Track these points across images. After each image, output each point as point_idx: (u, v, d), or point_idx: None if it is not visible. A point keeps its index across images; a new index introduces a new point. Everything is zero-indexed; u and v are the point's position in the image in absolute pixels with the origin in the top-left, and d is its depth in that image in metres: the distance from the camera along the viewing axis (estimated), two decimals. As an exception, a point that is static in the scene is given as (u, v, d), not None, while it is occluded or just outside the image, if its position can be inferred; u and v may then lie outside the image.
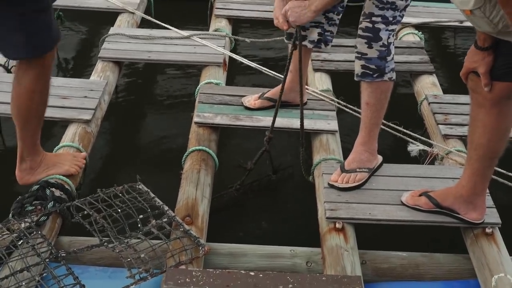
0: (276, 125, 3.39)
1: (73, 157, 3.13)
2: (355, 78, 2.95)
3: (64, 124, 3.43)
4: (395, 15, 2.85)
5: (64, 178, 2.98)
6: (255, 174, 3.41)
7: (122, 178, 3.02)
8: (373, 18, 2.83)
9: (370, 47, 2.85)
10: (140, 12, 4.93)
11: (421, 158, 3.41)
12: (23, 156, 2.94)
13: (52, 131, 3.75)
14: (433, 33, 5.41)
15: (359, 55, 2.89)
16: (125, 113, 4.27)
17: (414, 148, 3.42)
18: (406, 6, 2.88)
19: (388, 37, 2.86)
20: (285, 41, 3.35)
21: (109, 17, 4.89)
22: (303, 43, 3.31)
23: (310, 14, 2.90)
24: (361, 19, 2.88)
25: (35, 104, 2.82)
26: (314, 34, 3.29)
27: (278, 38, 4.31)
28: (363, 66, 2.88)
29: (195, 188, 2.97)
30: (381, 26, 2.82)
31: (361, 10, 2.88)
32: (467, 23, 4.85)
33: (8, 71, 3.93)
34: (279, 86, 3.54)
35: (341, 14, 3.29)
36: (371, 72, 2.88)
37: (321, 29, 3.27)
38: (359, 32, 2.88)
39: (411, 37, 4.71)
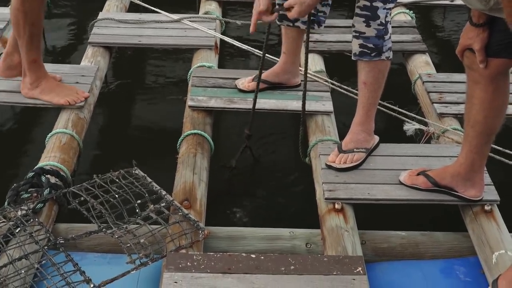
0: (271, 107, 3.38)
1: (73, 92, 3.35)
2: (353, 57, 2.92)
3: (57, 110, 3.39)
4: None
5: (59, 164, 2.95)
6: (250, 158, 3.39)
7: (117, 163, 2.98)
8: None
9: (368, 25, 2.83)
10: (128, -4, 4.89)
11: (417, 137, 3.40)
12: (24, 70, 3.32)
13: (45, 118, 3.72)
14: (423, 12, 5.39)
15: (357, 34, 2.87)
16: (118, 99, 4.23)
17: (410, 127, 3.41)
18: None
19: (386, 16, 2.84)
20: (277, 23, 3.32)
21: (97, 2, 4.84)
22: (296, 24, 3.29)
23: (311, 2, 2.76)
24: None
25: (22, 22, 3.11)
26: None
27: (269, 19, 4.26)
28: (361, 45, 2.86)
29: (192, 172, 2.95)
30: (379, 4, 2.80)
31: None
32: (457, 1, 4.87)
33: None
34: (273, 68, 3.53)
35: None
36: (369, 51, 2.85)
37: (314, 9, 3.24)
38: (357, 10, 2.85)
39: (403, 16, 4.69)
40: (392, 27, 4.28)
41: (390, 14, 2.87)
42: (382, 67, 2.91)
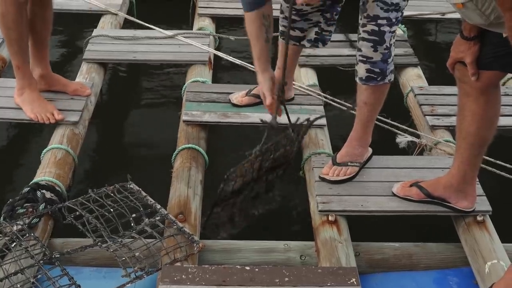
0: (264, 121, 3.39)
1: (47, 111, 3.36)
2: (358, 81, 2.90)
3: (52, 126, 3.41)
4: (398, 16, 2.80)
5: (54, 180, 2.97)
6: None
7: (112, 178, 3.00)
8: (379, 21, 2.76)
9: (375, 50, 2.81)
10: (122, 13, 4.93)
11: (409, 150, 3.43)
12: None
13: (40, 133, 3.74)
14: (415, 25, 5.43)
15: (364, 59, 2.84)
16: (113, 114, 4.25)
17: (403, 139, 3.44)
18: (406, 6, 2.85)
19: (390, 39, 2.83)
20: (280, 38, 3.31)
21: (92, 19, 4.87)
22: (302, 42, 3.31)
23: None
24: (364, 22, 2.80)
25: (3, 27, 3.21)
26: (311, 34, 3.28)
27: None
28: (368, 70, 2.84)
29: (186, 186, 2.97)
30: (386, 28, 2.77)
31: (346, 4, 2.85)
32: (449, 15, 4.92)
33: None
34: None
35: (338, 14, 3.27)
36: (375, 76, 2.85)
37: (319, 28, 3.26)
38: (364, 35, 2.81)
39: (395, 30, 4.73)
40: (384, 41, 4.37)
41: (394, 37, 2.86)
42: (384, 88, 2.92)
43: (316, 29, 3.25)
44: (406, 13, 4.88)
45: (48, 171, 3.04)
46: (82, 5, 4.95)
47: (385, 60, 2.84)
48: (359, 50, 2.86)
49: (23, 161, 3.72)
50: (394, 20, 2.79)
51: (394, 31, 2.83)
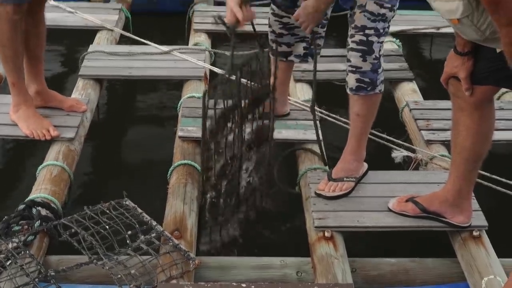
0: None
1: (43, 128, 3.35)
2: (348, 91, 2.93)
3: (48, 142, 3.40)
4: (385, 26, 2.85)
5: (50, 196, 2.96)
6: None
7: (108, 194, 2.99)
8: (366, 31, 2.81)
9: (364, 60, 2.84)
10: (118, 29, 4.94)
11: (405, 164, 3.43)
12: None
13: (36, 150, 3.72)
14: (410, 40, 5.45)
15: (353, 69, 2.87)
16: (108, 130, 4.25)
17: (398, 154, 3.44)
18: (393, 17, 2.90)
19: (379, 50, 2.86)
20: (271, 56, 3.32)
21: (87, 35, 4.88)
22: (289, 58, 3.33)
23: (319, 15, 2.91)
24: (352, 32, 2.85)
25: None
26: (299, 49, 3.31)
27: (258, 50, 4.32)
28: (358, 80, 2.87)
29: (182, 202, 2.96)
30: (374, 38, 2.82)
31: (341, 20, 2.89)
32: (444, 30, 4.94)
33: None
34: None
35: (326, 27, 3.30)
36: (365, 86, 2.88)
37: (307, 43, 3.29)
38: (352, 45, 2.85)
39: (389, 45, 4.74)
40: (379, 56, 4.38)
41: (382, 48, 2.90)
42: (375, 99, 2.94)
43: (303, 44, 3.28)
44: (400, 27, 5.01)
45: (43, 187, 3.04)
46: (78, 21, 4.97)
47: (375, 70, 2.87)
48: (348, 60, 2.90)
49: (19, 177, 3.71)
50: (381, 30, 2.84)
51: (382, 42, 2.88)
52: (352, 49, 2.86)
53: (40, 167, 3.20)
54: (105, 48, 4.47)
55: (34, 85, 3.51)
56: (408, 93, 4.06)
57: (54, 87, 3.85)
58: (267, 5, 3.81)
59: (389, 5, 2.83)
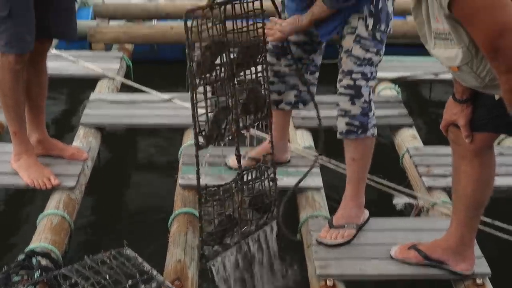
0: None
1: (44, 176, 3.35)
2: (338, 136, 2.97)
3: (48, 191, 3.40)
4: (372, 70, 2.91)
5: (50, 246, 2.95)
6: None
7: (109, 243, 2.97)
8: (353, 75, 2.88)
9: (353, 103, 2.89)
10: (120, 77, 4.98)
11: (406, 211, 3.42)
12: None
13: (37, 198, 3.72)
14: (409, 86, 5.49)
15: (343, 113, 2.92)
16: (109, 178, 4.25)
17: (400, 201, 3.44)
18: (379, 61, 2.94)
19: (369, 93, 2.91)
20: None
21: (89, 83, 4.92)
22: (280, 106, 3.36)
23: (306, 22, 2.94)
24: (340, 77, 2.93)
25: None
26: (290, 97, 3.34)
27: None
28: (347, 123, 2.91)
29: (183, 251, 2.95)
30: (362, 82, 2.88)
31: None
32: (442, 76, 4.97)
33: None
34: (263, 145, 3.57)
35: (316, 73, 3.34)
36: (355, 129, 2.91)
37: (297, 90, 3.33)
38: (341, 90, 2.91)
39: (388, 91, 4.79)
40: (379, 102, 4.42)
41: (372, 92, 2.94)
42: (368, 142, 2.97)
43: (294, 91, 3.31)
44: (399, 74, 5.04)
45: (44, 237, 3.02)
46: (79, 69, 5.02)
47: (365, 113, 2.91)
48: (338, 105, 2.95)
49: (19, 226, 3.70)
50: (369, 74, 2.90)
51: (371, 86, 2.93)
52: (341, 94, 2.92)
53: (40, 216, 3.19)
54: (107, 96, 4.50)
55: (35, 134, 3.53)
56: (408, 139, 4.07)
57: (55, 135, 3.88)
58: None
59: (375, 50, 2.88)
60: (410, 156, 3.82)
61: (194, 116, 2.71)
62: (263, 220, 3.02)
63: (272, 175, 3.01)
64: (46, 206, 3.28)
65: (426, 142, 4.11)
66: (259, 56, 2.91)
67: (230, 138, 2.83)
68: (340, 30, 2.94)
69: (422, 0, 2.17)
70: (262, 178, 2.97)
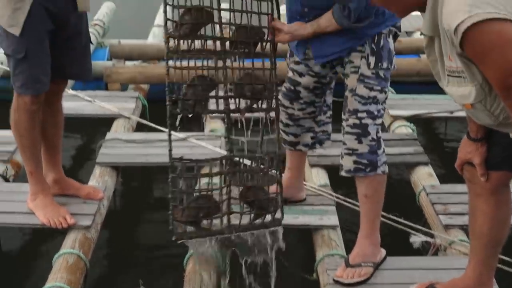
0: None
1: (60, 216, 3.35)
2: (344, 174, 2.98)
3: (64, 230, 3.41)
4: (379, 108, 2.91)
5: (66, 286, 2.95)
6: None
7: (124, 283, 2.98)
8: (359, 114, 2.88)
9: (360, 142, 2.89)
10: (135, 117, 5.02)
11: (424, 250, 3.39)
12: None
13: (52, 237, 3.73)
14: (424, 123, 5.49)
15: (350, 151, 2.92)
16: (125, 217, 4.26)
17: (417, 239, 3.41)
18: (386, 98, 2.94)
19: (377, 132, 2.91)
20: (283, 145, 3.35)
21: (105, 122, 4.96)
22: (297, 147, 3.36)
23: (310, 31, 2.88)
24: (346, 116, 2.93)
25: (12, 130, 3.31)
26: (307, 139, 3.34)
27: (272, 136, 4.36)
28: (355, 162, 2.91)
29: (199, 291, 2.94)
30: (369, 121, 2.87)
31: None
32: (458, 114, 4.97)
33: (6, 180, 3.96)
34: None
35: (329, 112, 3.34)
36: (363, 167, 2.90)
37: (313, 132, 3.33)
38: (347, 129, 2.91)
39: (404, 129, 4.78)
40: (394, 140, 4.42)
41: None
42: (380, 179, 2.96)
43: (310, 134, 3.31)
44: (414, 112, 5.05)
45: (59, 276, 3.02)
46: (95, 109, 5.06)
47: (373, 151, 2.90)
48: (344, 143, 2.94)
49: (35, 266, 3.70)
50: (376, 112, 2.89)
51: (379, 124, 2.92)
52: (347, 133, 2.92)
53: (56, 255, 3.20)
54: (122, 136, 4.53)
55: (51, 173, 3.55)
56: (424, 177, 4.05)
57: (71, 174, 3.89)
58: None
59: (379, 88, 2.89)
60: (427, 194, 3.80)
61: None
62: (260, 220, 2.91)
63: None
64: (62, 245, 3.28)
65: (442, 179, 4.08)
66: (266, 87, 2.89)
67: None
68: (337, 64, 2.97)
69: (435, 38, 2.18)
70: (260, 171, 2.90)
